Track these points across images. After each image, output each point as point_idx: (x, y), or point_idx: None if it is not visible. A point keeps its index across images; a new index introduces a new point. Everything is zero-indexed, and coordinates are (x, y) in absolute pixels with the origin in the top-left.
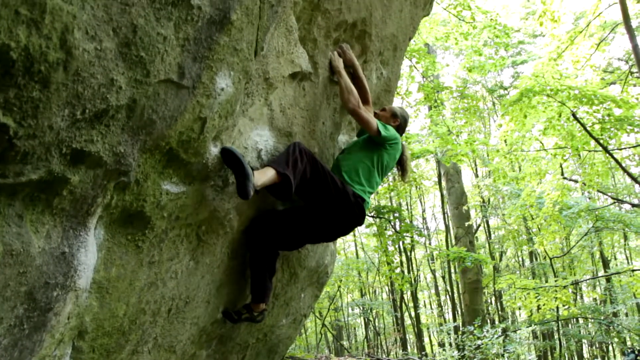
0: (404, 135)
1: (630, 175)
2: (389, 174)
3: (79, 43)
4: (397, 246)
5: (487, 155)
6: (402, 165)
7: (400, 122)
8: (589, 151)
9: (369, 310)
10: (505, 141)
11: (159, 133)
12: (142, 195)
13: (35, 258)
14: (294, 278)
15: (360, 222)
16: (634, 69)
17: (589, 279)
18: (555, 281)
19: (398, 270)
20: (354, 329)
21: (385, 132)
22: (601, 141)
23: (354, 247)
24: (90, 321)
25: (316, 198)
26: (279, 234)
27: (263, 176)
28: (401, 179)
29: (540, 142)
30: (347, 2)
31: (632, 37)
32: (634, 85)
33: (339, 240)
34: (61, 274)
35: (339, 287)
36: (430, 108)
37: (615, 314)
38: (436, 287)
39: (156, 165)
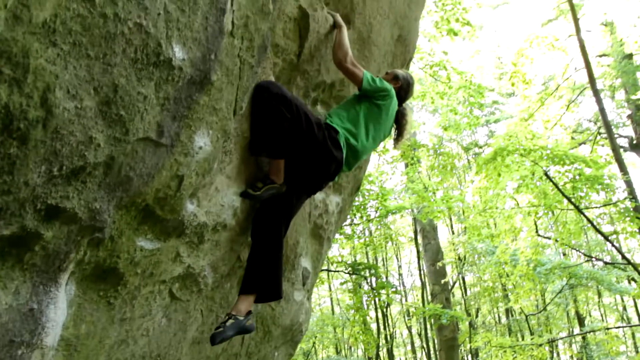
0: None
1: (601, 233)
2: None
3: (60, 102)
4: (372, 303)
5: (463, 213)
6: (399, 128)
7: (401, 84)
8: (562, 209)
9: None
10: (479, 196)
11: (135, 190)
12: (116, 251)
13: (1, 315)
14: (268, 336)
15: (333, 153)
16: (603, 130)
17: (564, 337)
18: (532, 339)
19: (373, 325)
20: None
21: (370, 83)
22: (573, 200)
23: (330, 302)
24: None
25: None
26: (272, 206)
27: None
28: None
29: (515, 200)
30: (326, 63)
31: (599, 101)
32: (602, 146)
33: (314, 295)
34: (27, 332)
35: (314, 343)
36: (406, 165)
37: None
38: (412, 343)
39: (131, 221)
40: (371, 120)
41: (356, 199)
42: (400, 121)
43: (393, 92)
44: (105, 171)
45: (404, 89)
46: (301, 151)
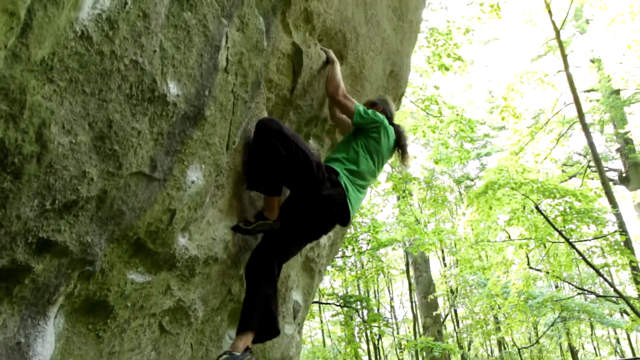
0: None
1: (592, 266)
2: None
3: (55, 137)
4: (364, 335)
5: (455, 245)
6: (402, 149)
7: (380, 106)
8: (553, 242)
9: None
10: (472, 228)
11: (127, 223)
12: (107, 284)
13: None
14: None
15: (330, 193)
16: (592, 163)
17: None
18: None
19: (365, 358)
20: None
21: (362, 115)
22: (564, 232)
23: (321, 334)
24: None
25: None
26: (266, 248)
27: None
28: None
29: (506, 233)
30: (319, 98)
31: (588, 135)
32: (592, 179)
33: (305, 328)
34: None
35: None
36: (398, 198)
37: None
38: None
39: (123, 254)
40: (372, 154)
41: (348, 231)
42: (399, 143)
43: (386, 121)
44: (97, 205)
45: (386, 110)
46: (299, 190)
